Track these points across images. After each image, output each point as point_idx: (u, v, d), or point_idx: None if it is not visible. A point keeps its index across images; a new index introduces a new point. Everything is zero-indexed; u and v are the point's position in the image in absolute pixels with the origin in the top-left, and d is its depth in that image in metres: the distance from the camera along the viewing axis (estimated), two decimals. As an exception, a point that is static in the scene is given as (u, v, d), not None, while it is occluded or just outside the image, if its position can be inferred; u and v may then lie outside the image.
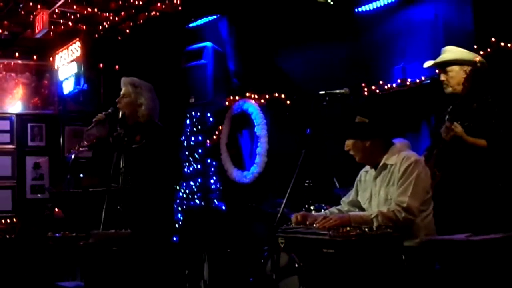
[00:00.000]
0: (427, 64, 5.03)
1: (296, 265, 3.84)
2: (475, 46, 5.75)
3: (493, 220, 3.78)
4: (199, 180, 8.52)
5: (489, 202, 4.30)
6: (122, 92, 5.09)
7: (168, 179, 4.99)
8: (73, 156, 5.57)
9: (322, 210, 5.12)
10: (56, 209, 7.07)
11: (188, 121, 8.69)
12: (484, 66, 4.76)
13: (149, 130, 5.02)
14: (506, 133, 4.51)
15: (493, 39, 5.69)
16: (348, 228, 3.59)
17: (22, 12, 7.98)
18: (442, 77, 4.82)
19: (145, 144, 4.94)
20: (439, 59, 4.86)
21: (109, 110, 5.09)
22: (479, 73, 4.55)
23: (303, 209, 4.81)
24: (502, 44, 5.63)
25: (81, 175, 5.32)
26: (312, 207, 5.77)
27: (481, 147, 4.49)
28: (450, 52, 4.85)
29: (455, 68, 4.74)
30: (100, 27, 8.57)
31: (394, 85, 6.60)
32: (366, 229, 3.57)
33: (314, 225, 3.87)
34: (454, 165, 4.53)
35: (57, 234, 4.53)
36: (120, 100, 5.08)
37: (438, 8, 6.35)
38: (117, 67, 9.18)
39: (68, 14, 8.21)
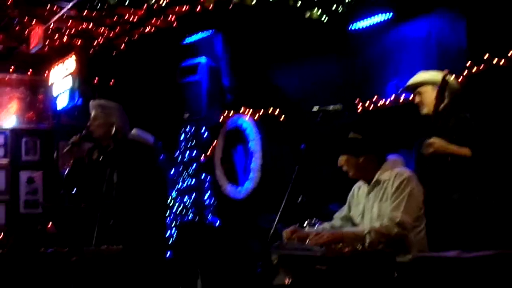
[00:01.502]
0: (401, 90, 5.11)
1: (289, 282, 3.83)
2: (469, 63, 5.79)
3: (482, 235, 3.78)
4: (193, 195, 8.50)
5: (475, 217, 4.31)
6: (92, 115, 5.15)
7: (150, 194, 5.02)
8: (67, 171, 5.58)
9: (316, 226, 5.12)
10: (49, 224, 7.05)
11: (182, 136, 8.69)
12: (453, 82, 4.80)
13: (124, 149, 5.05)
14: (488, 142, 4.54)
15: (486, 56, 5.72)
16: (340, 245, 3.59)
17: (17, 27, 7.99)
18: (417, 99, 4.86)
19: (123, 162, 4.98)
20: (410, 82, 4.90)
21: (83, 132, 5.16)
22: (447, 85, 4.58)
23: (297, 225, 4.80)
24: (495, 60, 5.66)
25: (74, 190, 5.32)
26: (305, 223, 5.75)
27: (464, 156, 4.50)
28: (421, 74, 4.90)
29: (428, 88, 4.78)
30: (95, 42, 8.59)
31: (387, 101, 6.62)
32: (359, 246, 3.56)
33: (307, 242, 3.86)
34: (436, 180, 4.54)
35: (50, 250, 4.51)
36: (91, 123, 5.14)
37: (432, 25, 6.39)
38: (112, 82, 9.21)
39: (63, 30, 8.23)
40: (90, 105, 5.23)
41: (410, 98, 6.13)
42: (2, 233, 8.80)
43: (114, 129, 4.86)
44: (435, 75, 4.79)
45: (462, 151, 4.52)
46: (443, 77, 4.58)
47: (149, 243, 4.94)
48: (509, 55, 5.59)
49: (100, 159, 5.06)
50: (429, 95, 4.75)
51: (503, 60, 5.63)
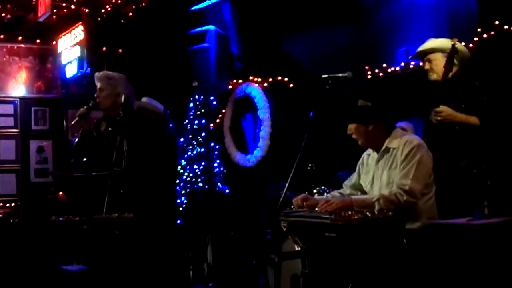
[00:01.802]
0: (411, 57, 5.08)
1: (298, 249, 3.86)
2: (479, 29, 5.74)
3: (490, 203, 3.78)
4: (203, 163, 8.53)
5: (485, 184, 4.32)
6: (98, 87, 5.15)
7: (159, 163, 5.03)
8: (76, 140, 5.60)
9: (325, 194, 5.13)
10: (60, 193, 7.11)
11: (191, 105, 8.69)
12: (463, 49, 4.77)
13: (131, 118, 5.06)
14: (497, 111, 4.53)
15: (496, 22, 5.67)
16: (349, 212, 3.60)
17: (25, -4, 7.98)
18: (426, 65, 4.85)
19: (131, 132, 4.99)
20: (420, 48, 4.90)
21: (90, 104, 5.16)
22: (456, 53, 4.56)
23: (306, 192, 4.82)
24: (506, 27, 5.61)
25: (85, 159, 5.34)
26: (314, 191, 5.78)
27: (473, 125, 4.51)
28: (431, 41, 4.89)
29: (438, 55, 4.77)
30: (103, 11, 8.56)
31: (397, 68, 6.59)
32: (368, 213, 3.57)
33: (316, 209, 3.87)
34: (444, 148, 4.54)
35: (61, 218, 4.55)
36: (98, 95, 5.14)
37: (442, -10, 6.33)
38: (120, 50, 9.19)
39: (71, -3, 8.21)
40: (95, 77, 5.23)
41: (420, 64, 6.14)
42: (14, 203, 8.87)
43: (123, 97, 4.86)
44: (445, 42, 4.77)
45: (470, 120, 4.52)
46: (452, 45, 4.56)
47: (160, 211, 4.97)
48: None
49: (109, 129, 5.06)
50: (438, 62, 4.74)
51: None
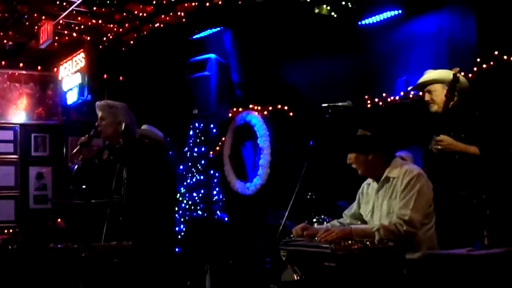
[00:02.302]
0: (411, 88, 5.10)
1: (298, 278, 3.84)
2: (478, 59, 5.77)
3: (490, 233, 3.78)
4: (202, 191, 8.51)
5: (485, 214, 4.31)
6: (99, 116, 5.16)
7: (158, 191, 5.03)
8: (76, 167, 5.59)
9: (325, 223, 5.12)
10: (59, 220, 7.08)
11: (191, 132, 8.70)
12: (463, 80, 4.80)
13: (133, 147, 5.07)
14: (497, 141, 4.53)
15: (496, 52, 5.70)
16: (349, 242, 3.58)
17: (27, 23, 8.02)
18: (427, 97, 4.85)
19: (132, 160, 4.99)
20: (420, 80, 4.90)
21: (91, 132, 5.17)
22: (458, 83, 4.58)
23: (306, 221, 4.81)
24: (505, 57, 5.64)
25: (84, 187, 5.34)
26: (314, 220, 5.76)
27: (472, 154, 4.51)
28: (431, 73, 4.91)
29: (438, 86, 4.78)
30: (105, 38, 8.60)
31: (397, 97, 6.61)
32: (368, 243, 3.56)
33: (316, 238, 3.86)
34: (446, 177, 4.54)
35: (59, 245, 4.53)
36: (99, 123, 5.15)
37: (442, 20, 6.37)
38: (121, 78, 9.24)
39: (73, 25, 8.25)
40: (96, 106, 5.24)
41: (420, 94, 6.16)
42: (12, 229, 8.84)
43: (123, 125, 4.87)
44: (444, 73, 4.79)
45: (470, 150, 4.53)
46: (453, 74, 4.58)
47: (158, 239, 4.95)
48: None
49: (111, 158, 5.05)
50: (438, 93, 4.76)
51: (513, 57, 5.61)
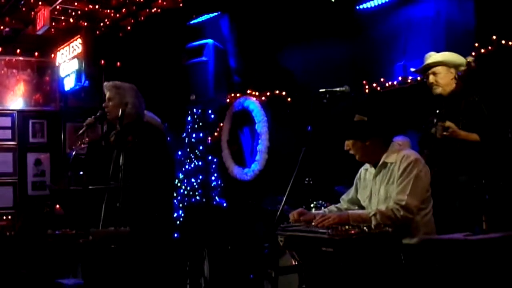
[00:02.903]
0: (414, 69, 5.09)
1: (295, 263, 3.84)
2: (476, 44, 5.75)
3: (491, 218, 3.78)
4: (200, 177, 8.52)
5: (484, 200, 4.31)
6: (107, 96, 5.12)
7: (159, 177, 5.00)
8: (74, 153, 5.58)
9: (322, 208, 5.12)
10: (57, 206, 7.08)
11: (189, 118, 8.69)
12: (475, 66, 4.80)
13: (138, 130, 5.03)
14: (497, 127, 4.54)
15: (494, 37, 5.68)
16: (347, 227, 3.59)
17: (24, 9, 7.98)
18: (431, 79, 4.86)
19: (136, 143, 4.95)
20: (426, 62, 4.91)
21: (98, 114, 5.12)
22: (473, 73, 4.58)
23: (303, 207, 4.81)
24: (503, 42, 5.62)
25: (81, 173, 5.31)
26: (312, 205, 5.77)
27: (473, 141, 4.53)
28: (435, 55, 4.92)
29: (443, 69, 4.80)
30: (102, 24, 8.57)
31: (395, 82, 6.59)
32: (365, 228, 3.56)
33: (313, 223, 3.86)
34: (447, 162, 4.54)
35: (57, 232, 4.53)
36: (107, 104, 5.11)
37: (440, 5, 6.34)
38: (118, 63, 9.21)
39: (70, 11, 8.22)
40: (104, 86, 5.17)
41: (418, 79, 6.14)
42: (10, 216, 8.85)
43: (126, 109, 4.84)
44: (449, 56, 4.81)
45: (471, 137, 4.53)
46: (468, 62, 4.59)
47: (157, 224, 4.95)
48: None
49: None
50: (443, 76, 4.77)
51: (511, 42, 5.59)
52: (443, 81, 4.78)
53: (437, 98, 4.85)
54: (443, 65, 4.80)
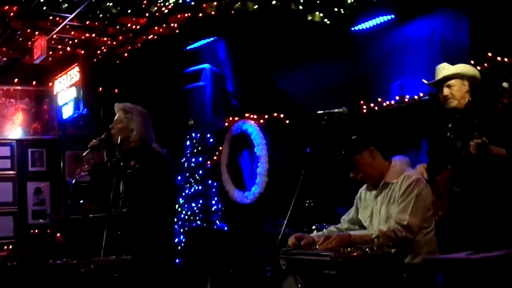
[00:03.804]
0: (427, 82, 4.99)
1: (299, 287, 3.82)
2: (472, 61, 5.77)
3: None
4: (200, 201, 8.51)
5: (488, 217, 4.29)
6: (115, 118, 5.11)
7: (162, 203, 4.98)
8: (73, 181, 5.55)
9: (324, 230, 5.11)
10: (58, 235, 7.04)
11: (188, 143, 8.70)
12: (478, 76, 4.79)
13: (142, 155, 5.02)
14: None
15: (489, 54, 5.70)
16: (349, 249, 3.58)
17: (20, 39, 8.01)
18: (446, 92, 4.73)
19: (138, 169, 4.94)
20: (442, 76, 4.77)
21: (103, 136, 5.10)
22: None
23: (305, 230, 4.80)
24: (499, 58, 5.64)
25: (82, 201, 5.29)
26: (313, 227, 5.75)
27: (503, 157, 4.37)
28: (449, 67, 4.82)
29: (457, 82, 4.71)
30: (99, 52, 8.60)
31: (392, 102, 6.61)
32: (367, 250, 3.55)
33: (317, 246, 3.85)
34: (477, 180, 4.45)
35: (59, 261, 4.50)
36: (114, 126, 5.10)
37: (434, 24, 6.39)
38: (116, 90, 9.23)
39: (66, 40, 8.24)
40: (115, 107, 5.17)
41: (415, 97, 6.16)
42: (11, 245, 8.81)
43: (130, 136, 4.82)
44: (463, 69, 4.75)
45: (502, 153, 4.38)
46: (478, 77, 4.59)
47: (158, 251, 4.92)
48: (512, 52, 5.58)
49: (121, 164, 4.88)
50: (458, 88, 4.69)
51: (506, 58, 5.61)
52: (459, 94, 4.69)
53: (453, 111, 4.75)
54: (458, 77, 4.73)
